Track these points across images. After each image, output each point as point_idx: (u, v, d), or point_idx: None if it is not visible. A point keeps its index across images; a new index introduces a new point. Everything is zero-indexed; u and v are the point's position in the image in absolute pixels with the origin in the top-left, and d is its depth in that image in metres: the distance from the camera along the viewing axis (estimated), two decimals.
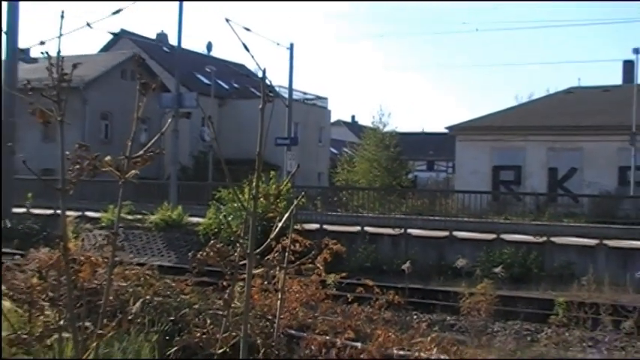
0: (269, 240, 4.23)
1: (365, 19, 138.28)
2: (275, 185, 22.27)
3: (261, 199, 4.11)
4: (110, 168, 3.33)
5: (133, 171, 3.34)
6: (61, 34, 3.50)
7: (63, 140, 3.35)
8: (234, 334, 4.31)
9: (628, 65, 45.97)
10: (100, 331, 3.55)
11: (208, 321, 5.68)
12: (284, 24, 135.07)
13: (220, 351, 4.17)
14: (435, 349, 8.00)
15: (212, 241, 4.17)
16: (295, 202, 4.78)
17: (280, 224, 4.14)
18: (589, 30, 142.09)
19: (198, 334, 4.39)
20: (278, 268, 5.91)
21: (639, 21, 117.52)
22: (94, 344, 3.57)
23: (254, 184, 3.65)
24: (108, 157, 3.37)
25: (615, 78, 48.88)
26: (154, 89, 3.42)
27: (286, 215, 4.25)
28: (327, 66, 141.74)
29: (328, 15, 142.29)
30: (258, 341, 6.67)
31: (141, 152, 3.36)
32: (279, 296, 5.96)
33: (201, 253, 4.15)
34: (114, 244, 3.65)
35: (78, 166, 3.34)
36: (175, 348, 6.15)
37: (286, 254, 5.93)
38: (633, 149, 37.27)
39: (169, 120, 8.69)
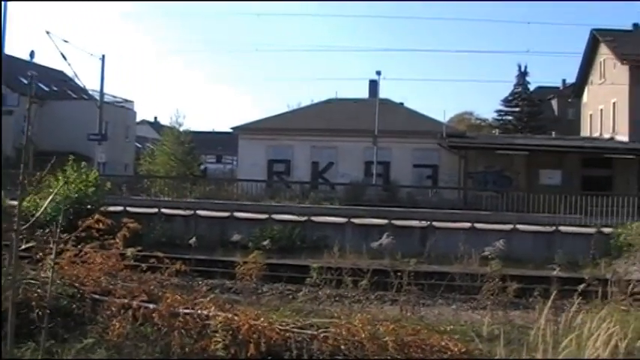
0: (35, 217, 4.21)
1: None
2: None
3: (72, 184, 4.13)
4: None
5: None
6: None
7: None
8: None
9: (373, 83, 47.85)
10: None
11: None
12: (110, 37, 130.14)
13: None
14: (213, 307, 8.13)
15: None
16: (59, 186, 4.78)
17: (46, 204, 4.15)
18: (347, 54, 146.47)
19: None
20: (50, 243, 5.81)
21: (382, 50, 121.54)
22: None
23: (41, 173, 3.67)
24: None
25: (364, 93, 50.62)
26: None
27: (50, 198, 4.26)
28: (139, 74, 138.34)
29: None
30: (33, 303, 6.56)
31: None
32: (51, 264, 5.90)
33: None
34: None
35: None
36: None
37: (57, 230, 5.87)
38: (375, 148, 39.10)
39: None
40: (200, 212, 27.45)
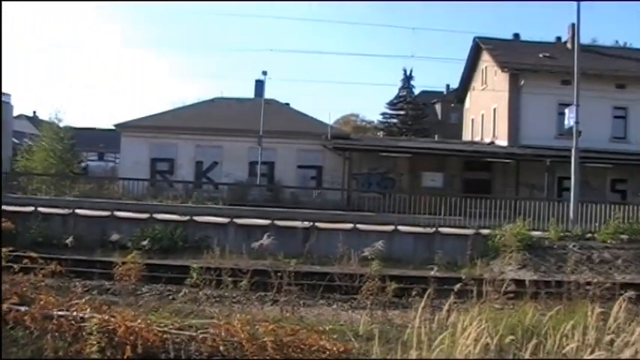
0: None
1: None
2: None
3: None
4: None
5: None
6: None
7: None
8: None
9: (259, 83, 48.11)
10: None
11: None
12: None
13: None
14: (89, 309, 8.03)
15: None
16: None
17: None
18: (234, 53, 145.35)
19: None
20: None
21: (267, 50, 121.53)
22: None
23: None
24: None
25: (250, 93, 50.74)
26: None
27: None
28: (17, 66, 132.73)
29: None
30: None
31: None
32: None
33: None
34: None
35: None
36: None
37: None
38: (260, 148, 39.24)
39: None
40: (79, 211, 26.72)
